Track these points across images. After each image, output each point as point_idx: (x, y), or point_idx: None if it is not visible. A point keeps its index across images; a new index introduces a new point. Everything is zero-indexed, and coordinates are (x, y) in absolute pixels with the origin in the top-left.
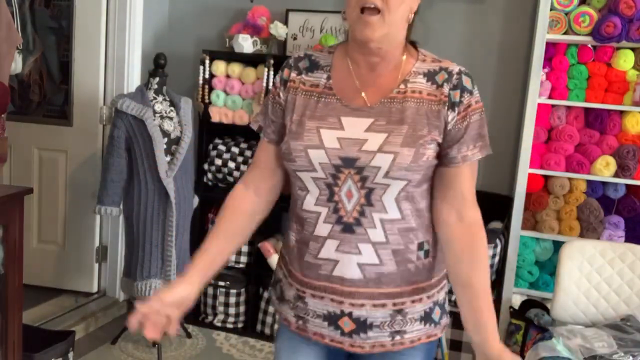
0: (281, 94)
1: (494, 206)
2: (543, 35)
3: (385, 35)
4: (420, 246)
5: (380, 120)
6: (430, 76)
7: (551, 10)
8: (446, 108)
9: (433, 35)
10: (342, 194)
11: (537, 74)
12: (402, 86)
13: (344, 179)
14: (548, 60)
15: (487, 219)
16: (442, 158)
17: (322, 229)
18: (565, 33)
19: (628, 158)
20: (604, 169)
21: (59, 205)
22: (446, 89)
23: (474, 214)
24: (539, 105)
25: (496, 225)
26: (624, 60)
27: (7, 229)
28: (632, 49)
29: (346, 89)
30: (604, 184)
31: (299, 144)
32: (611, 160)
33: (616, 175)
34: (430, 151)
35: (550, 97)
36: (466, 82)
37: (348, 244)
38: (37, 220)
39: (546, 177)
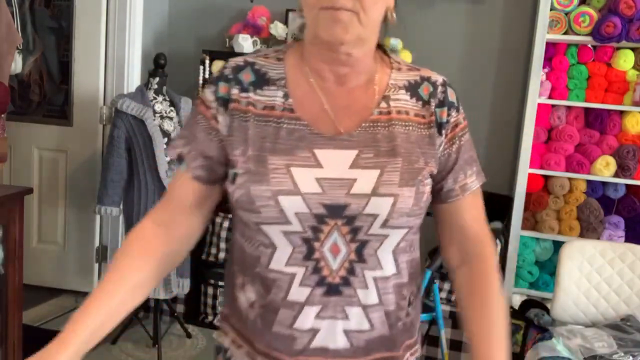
0: (220, 118)
1: (494, 206)
2: (543, 35)
3: (359, 38)
4: (409, 301)
5: (366, 152)
6: (412, 90)
7: (551, 10)
8: (436, 131)
9: (433, 35)
10: (326, 249)
11: (537, 74)
12: (383, 105)
13: (329, 232)
14: (548, 60)
15: (487, 219)
16: (437, 194)
17: (298, 293)
18: (565, 33)
19: (628, 158)
20: (604, 169)
21: (59, 205)
22: (433, 105)
23: (487, 250)
24: (539, 105)
25: (496, 225)
26: (624, 60)
27: (7, 229)
28: (632, 49)
29: (312, 110)
30: (604, 184)
31: (265, 189)
32: (611, 160)
33: (616, 175)
34: (428, 187)
35: (550, 97)
36: (451, 95)
37: (332, 308)
38: (37, 220)
39: (546, 177)
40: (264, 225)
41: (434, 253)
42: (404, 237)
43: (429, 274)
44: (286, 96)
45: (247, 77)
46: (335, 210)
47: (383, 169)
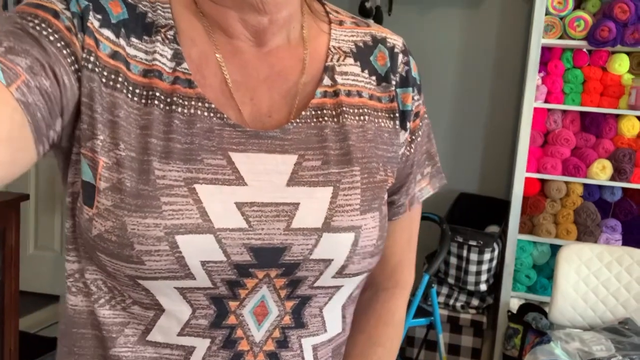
0: (78, 40)
1: (491, 210)
2: (538, 40)
3: None
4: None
5: (310, 157)
6: (363, 58)
7: (546, 14)
8: (399, 123)
9: (430, 40)
10: (247, 312)
11: (533, 78)
12: (327, 81)
13: (254, 287)
14: (543, 65)
15: (484, 223)
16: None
17: None
18: (560, 37)
19: (624, 161)
20: (600, 172)
21: (56, 212)
22: (393, 85)
23: (405, 282)
24: (535, 109)
25: (493, 229)
26: (619, 65)
27: (3, 235)
28: (627, 53)
29: (217, 85)
30: (601, 187)
31: (153, 225)
32: (607, 164)
33: (612, 178)
34: (386, 208)
35: (546, 101)
36: (414, 69)
37: None
38: (33, 226)
39: (543, 181)
40: (147, 281)
41: (431, 257)
42: (360, 284)
43: (426, 278)
44: (178, 57)
45: (116, 8)
46: (267, 256)
47: (337, 185)
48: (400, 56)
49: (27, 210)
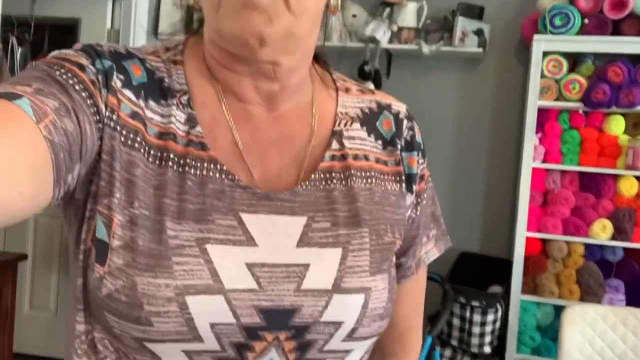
0: (102, 96)
1: (492, 269)
2: (534, 102)
3: (288, 34)
4: None
5: (319, 219)
6: (369, 123)
7: (542, 77)
8: (405, 186)
9: (428, 102)
10: None
11: (531, 138)
12: (335, 145)
13: (263, 351)
14: (540, 125)
15: (486, 283)
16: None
17: None
18: (556, 99)
19: (624, 221)
20: (601, 232)
21: (52, 272)
22: (398, 148)
23: (412, 349)
24: (534, 169)
25: (496, 289)
26: (615, 126)
27: (0, 295)
28: (622, 115)
29: (226, 147)
30: (602, 247)
31: (164, 285)
32: (608, 224)
33: (613, 238)
34: (394, 270)
35: (544, 161)
36: (419, 134)
37: None
38: (29, 286)
39: (544, 241)
40: (154, 344)
41: (434, 318)
42: (369, 349)
43: (429, 340)
44: (192, 121)
45: (137, 71)
46: (277, 318)
47: (346, 247)
48: (405, 122)
49: (24, 270)
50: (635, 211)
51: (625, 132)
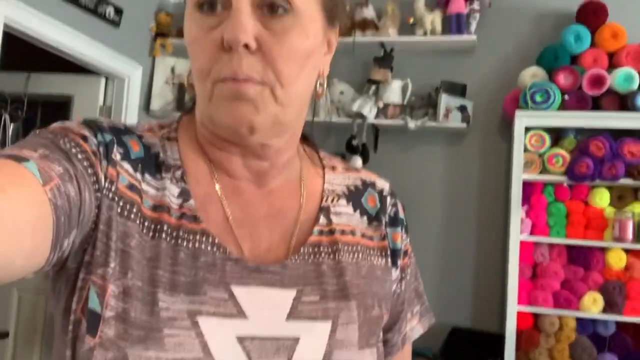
0: (102, 168)
1: (485, 344)
2: (519, 175)
3: (276, 122)
4: None
5: (308, 292)
6: (354, 200)
7: (525, 151)
8: (390, 261)
9: (414, 176)
10: None
11: (517, 211)
12: (323, 220)
13: None
14: (526, 199)
15: (479, 358)
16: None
17: None
18: (540, 173)
19: (614, 294)
20: (592, 305)
21: (34, 351)
22: (383, 224)
23: None
24: (522, 242)
25: None
26: (600, 198)
27: None
28: (607, 187)
29: (218, 221)
30: (594, 321)
31: (154, 358)
32: (598, 297)
33: (604, 311)
34: (381, 345)
35: (531, 234)
36: (401, 211)
37: None
38: None
39: (535, 315)
40: None
41: None
42: None
43: None
44: (185, 195)
45: (135, 146)
46: None
47: (335, 320)
48: (389, 198)
49: (5, 347)
50: (624, 284)
51: (611, 204)
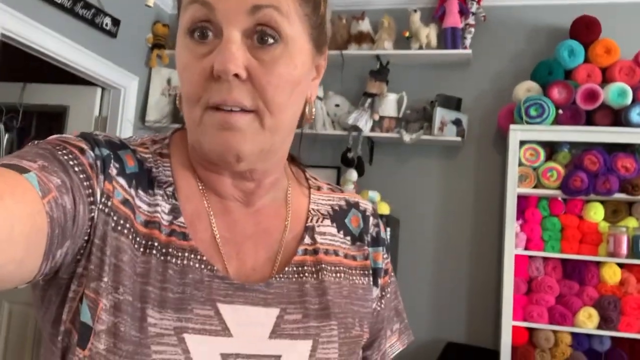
0: (98, 182)
1: None
2: (514, 189)
3: (264, 150)
4: None
5: (291, 311)
6: (338, 220)
7: (519, 165)
8: (371, 280)
9: (408, 188)
10: None
11: (511, 225)
12: (307, 240)
13: None
14: (521, 213)
15: None
16: None
17: None
18: (535, 187)
19: (609, 309)
20: (587, 320)
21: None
22: (366, 244)
23: None
24: (516, 256)
25: None
26: (594, 213)
27: None
28: (601, 202)
29: (206, 239)
30: (589, 336)
31: None
32: (593, 312)
33: (600, 327)
34: None
35: (526, 248)
36: (383, 230)
37: None
38: None
39: (530, 330)
40: None
41: None
42: None
43: None
44: (175, 212)
45: (130, 161)
46: None
47: (316, 339)
48: (371, 219)
49: None
50: (620, 299)
51: (605, 219)
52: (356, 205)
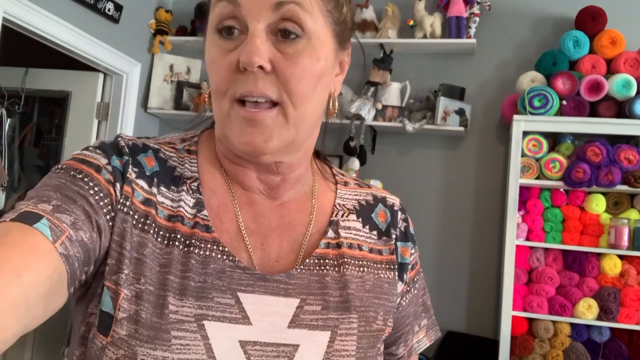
0: (117, 189)
1: (479, 349)
2: (516, 180)
3: (289, 143)
4: None
5: (311, 302)
6: (364, 215)
7: (522, 156)
8: (397, 275)
9: (412, 178)
10: None
11: (513, 216)
12: (331, 234)
13: None
14: (523, 204)
15: None
16: None
17: None
18: (537, 178)
19: (609, 300)
20: (587, 311)
21: (26, 347)
22: (393, 239)
23: None
24: (517, 247)
25: None
26: (596, 204)
27: None
28: (603, 194)
29: (231, 230)
30: (589, 327)
31: (161, 357)
32: (593, 303)
33: (599, 318)
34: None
35: (527, 239)
36: (411, 225)
37: None
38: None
39: (530, 320)
40: None
41: None
42: None
43: None
44: (199, 205)
45: (150, 162)
46: None
47: (335, 331)
48: (399, 214)
49: None
50: (619, 291)
51: (607, 210)
52: (383, 200)
